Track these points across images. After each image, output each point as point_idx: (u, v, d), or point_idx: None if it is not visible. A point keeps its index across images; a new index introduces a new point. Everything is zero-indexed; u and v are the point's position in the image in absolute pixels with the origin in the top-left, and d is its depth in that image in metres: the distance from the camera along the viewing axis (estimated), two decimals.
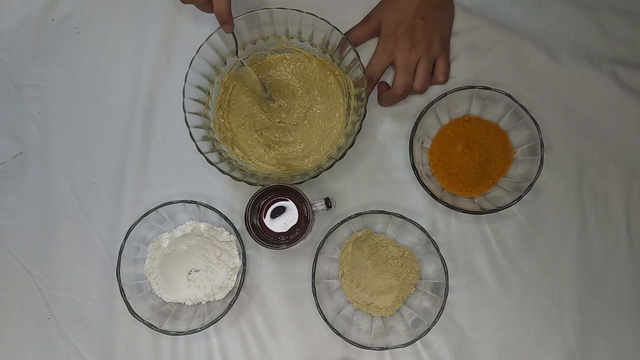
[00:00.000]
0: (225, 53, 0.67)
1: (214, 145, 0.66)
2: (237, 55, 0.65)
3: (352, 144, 0.62)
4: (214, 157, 0.64)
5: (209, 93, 0.68)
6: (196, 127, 0.64)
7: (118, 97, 0.73)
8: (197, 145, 0.63)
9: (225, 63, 0.68)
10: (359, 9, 0.73)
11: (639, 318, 0.68)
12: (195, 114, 0.65)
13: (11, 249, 0.71)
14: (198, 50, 0.64)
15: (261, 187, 0.61)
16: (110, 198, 0.71)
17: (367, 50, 0.72)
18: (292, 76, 0.71)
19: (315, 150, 0.70)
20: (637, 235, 0.70)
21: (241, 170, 0.66)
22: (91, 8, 0.75)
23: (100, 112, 0.73)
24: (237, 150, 0.69)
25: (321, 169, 0.63)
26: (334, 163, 0.63)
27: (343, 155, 0.62)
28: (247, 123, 0.71)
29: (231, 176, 0.62)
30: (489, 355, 0.68)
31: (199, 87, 0.66)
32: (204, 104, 0.67)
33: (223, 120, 0.70)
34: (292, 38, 0.68)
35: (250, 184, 0.63)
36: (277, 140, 0.70)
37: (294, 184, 0.62)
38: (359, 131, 0.62)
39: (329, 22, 0.64)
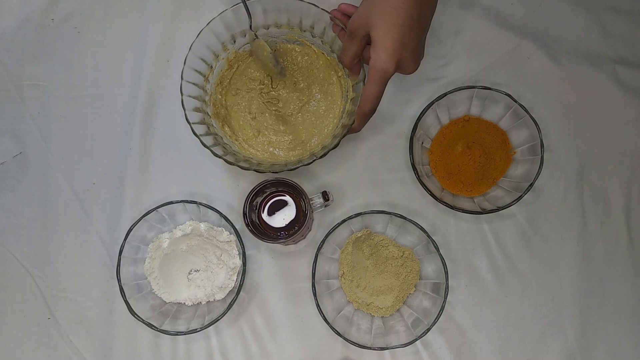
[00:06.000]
0: (235, 32, 0.67)
1: (204, 119, 0.66)
2: (251, 28, 0.65)
3: (336, 146, 0.62)
4: (200, 129, 0.64)
5: (211, 67, 0.68)
6: (190, 96, 0.65)
7: (118, 97, 0.73)
8: (185, 114, 0.63)
9: (235, 41, 0.68)
10: None
11: (639, 318, 0.68)
12: (193, 84, 0.66)
13: (11, 249, 0.71)
14: (209, 23, 0.64)
15: (258, 182, 0.62)
16: (110, 198, 0.71)
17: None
18: (298, 68, 0.71)
19: (302, 145, 0.70)
20: (637, 235, 0.70)
21: (224, 148, 0.66)
22: (91, 8, 0.75)
23: (100, 112, 0.73)
24: (226, 128, 0.70)
25: (301, 164, 0.63)
26: (314, 160, 0.63)
27: (324, 155, 0.62)
28: (243, 104, 0.71)
29: (211, 151, 0.63)
30: (489, 355, 0.68)
31: (202, 59, 0.66)
32: (204, 76, 0.68)
33: (220, 97, 0.70)
34: (304, 31, 0.69)
35: (228, 162, 0.63)
36: (268, 126, 0.71)
37: (273, 172, 0.63)
38: (345, 135, 0.63)
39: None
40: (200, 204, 0.67)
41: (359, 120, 0.61)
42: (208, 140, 0.64)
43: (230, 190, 0.71)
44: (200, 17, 0.72)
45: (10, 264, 0.71)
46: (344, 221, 0.66)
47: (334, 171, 0.71)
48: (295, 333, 0.69)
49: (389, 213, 0.65)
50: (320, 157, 0.63)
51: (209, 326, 0.64)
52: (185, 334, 0.64)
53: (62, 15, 0.75)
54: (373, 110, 0.60)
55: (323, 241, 0.65)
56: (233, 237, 0.67)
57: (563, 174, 0.70)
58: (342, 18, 0.63)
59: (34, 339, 0.70)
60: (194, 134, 0.63)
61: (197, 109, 0.65)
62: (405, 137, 0.71)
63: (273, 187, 0.63)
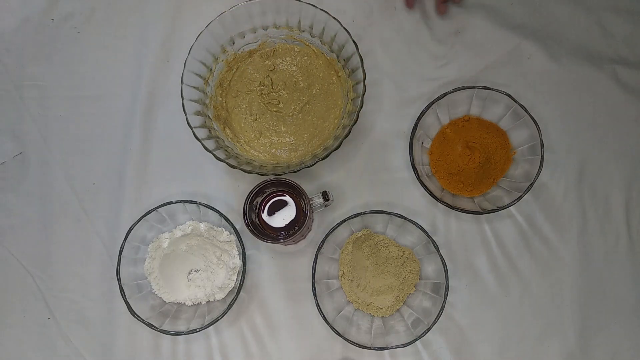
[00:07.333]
0: (234, 33, 0.67)
1: (205, 122, 0.66)
2: None
3: (338, 147, 0.62)
4: (201, 133, 0.64)
5: (211, 70, 0.68)
6: (191, 100, 0.65)
7: (118, 97, 0.73)
8: (187, 119, 0.63)
9: (233, 43, 0.68)
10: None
11: (639, 318, 0.68)
12: (194, 87, 0.66)
13: (11, 249, 0.71)
14: (207, 26, 0.64)
15: (257, 182, 0.62)
16: (110, 198, 0.71)
17: (371, 56, 0.72)
18: (297, 69, 0.72)
19: (303, 146, 0.70)
20: (637, 235, 0.69)
21: (226, 151, 0.66)
22: (91, 8, 0.75)
23: (100, 112, 0.73)
24: (227, 131, 0.70)
25: (304, 165, 0.63)
26: (316, 162, 0.63)
27: (327, 156, 0.63)
28: (244, 106, 0.71)
29: (214, 155, 0.63)
30: (489, 355, 0.68)
31: (202, 62, 0.66)
32: (204, 79, 0.68)
33: (220, 99, 0.70)
34: (303, 31, 0.69)
35: (231, 166, 0.63)
36: (270, 127, 0.71)
37: (275, 174, 0.63)
38: (347, 135, 0.63)
39: (339, 22, 0.64)
40: (200, 204, 0.67)
41: None
42: (210, 144, 0.64)
43: (230, 190, 0.71)
44: (199, 17, 0.72)
45: (10, 264, 0.71)
46: (344, 221, 0.66)
47: (334, 171, 0.71)
48: (295, 333, 0.69)
49: (389, 213, 0.65)
50: (323, 158, 0.63)
51: (209, 326, 0.64)
52: (185, 334, 0.64)
53: (62, 15, 0.75)
54: None
55: (323, 241, 0.65)
56: (233, 237, 0.67)
57: (563, 174, 0.70)
58: None
59: (34, 339, 0.70)
60: (196, 138, 0.63)
61: (198, 113, 0.65)
62: (405, 137, 0.71)
63: (273, 187, 0.63)
